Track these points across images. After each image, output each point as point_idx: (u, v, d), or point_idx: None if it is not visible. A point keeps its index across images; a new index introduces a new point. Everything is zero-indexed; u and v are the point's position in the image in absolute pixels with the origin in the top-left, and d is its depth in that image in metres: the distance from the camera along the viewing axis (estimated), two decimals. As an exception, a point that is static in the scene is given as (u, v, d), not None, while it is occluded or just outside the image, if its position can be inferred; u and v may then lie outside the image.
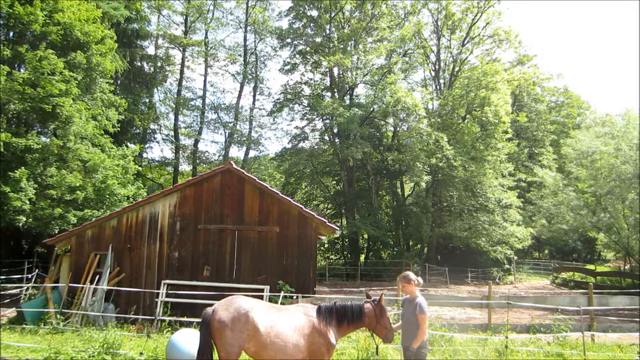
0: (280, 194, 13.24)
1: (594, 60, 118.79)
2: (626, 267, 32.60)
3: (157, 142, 37.89)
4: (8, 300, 13.75)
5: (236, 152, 52.20)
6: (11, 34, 19.60)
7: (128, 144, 28.89)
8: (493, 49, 37.28)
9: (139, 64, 33.05)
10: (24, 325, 10.81)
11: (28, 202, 15.97)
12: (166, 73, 37.09)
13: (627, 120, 25.78)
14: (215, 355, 5.11)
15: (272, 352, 4.94)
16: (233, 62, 40.17)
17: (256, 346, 4.95)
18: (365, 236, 37.31)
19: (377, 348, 6.14)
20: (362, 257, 36.92)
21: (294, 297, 11.59)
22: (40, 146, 17.12)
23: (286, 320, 5.14)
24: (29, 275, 16.16)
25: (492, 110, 31.91)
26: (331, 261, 37.17)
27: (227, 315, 4.94)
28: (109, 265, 12.29)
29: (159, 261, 12.67)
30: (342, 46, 33.86)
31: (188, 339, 7.21)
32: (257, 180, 13.26)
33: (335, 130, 34.23)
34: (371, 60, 35.19)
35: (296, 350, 5.02)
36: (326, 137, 36.86)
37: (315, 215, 13.08)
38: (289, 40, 36.74)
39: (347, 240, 36.14)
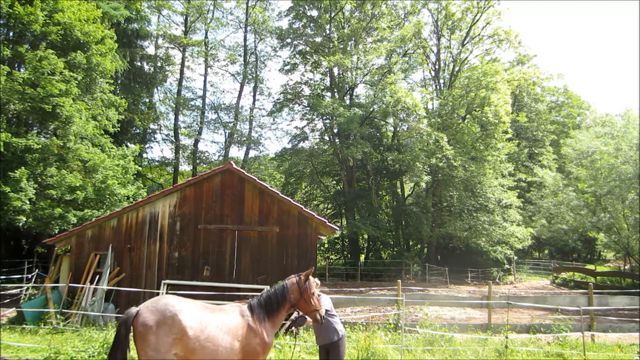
0: (280, 194, 13.22)
1: (594, 60, 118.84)
2: (626, 267, 32.59)
3: (157, 142, 38.04)
4: (8, 300, 13.73)
5: (236, 152, 52.33)
6: (11, 34, 19.61)
7: (128, 144, 28.88)
8: (493, 49, 37.26)
9: (139, 64, 33.08)
10: (24, 325, 10.79)
11: (28, 202, 15.97)
12: (166, 73, 37.11)
13: (627, 120, 25.82)
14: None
15: (201, 357, 4.60)
16: (233, 62, 40.23)
17: (184, 351, 4.58)
18: (365, 236, 37.31)
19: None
20: (362, 257, 36.90)
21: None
22: (40, 146, 17.11)
23: (219, 321, 4.82)
24: (29, 275, 16.15)
25: (492, 110, 31.90)
26: (331, 261, 37.18)
27: (152, 317, 4.53)
28: (109, 265, 12.28)
29: (159, 261, 12.66)
30: (342, 46, 33.84)
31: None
32: (257, 180, 13.24)
33: (335, 130, 34.20)
34: (371, 60, 35.19)
35: (229, 353, 4.72)
36: (326, 137, 36.84)
37: (315, 215, 13.07)
38: (289, 40, 36.75)
39: (347, 240, 36.13)
